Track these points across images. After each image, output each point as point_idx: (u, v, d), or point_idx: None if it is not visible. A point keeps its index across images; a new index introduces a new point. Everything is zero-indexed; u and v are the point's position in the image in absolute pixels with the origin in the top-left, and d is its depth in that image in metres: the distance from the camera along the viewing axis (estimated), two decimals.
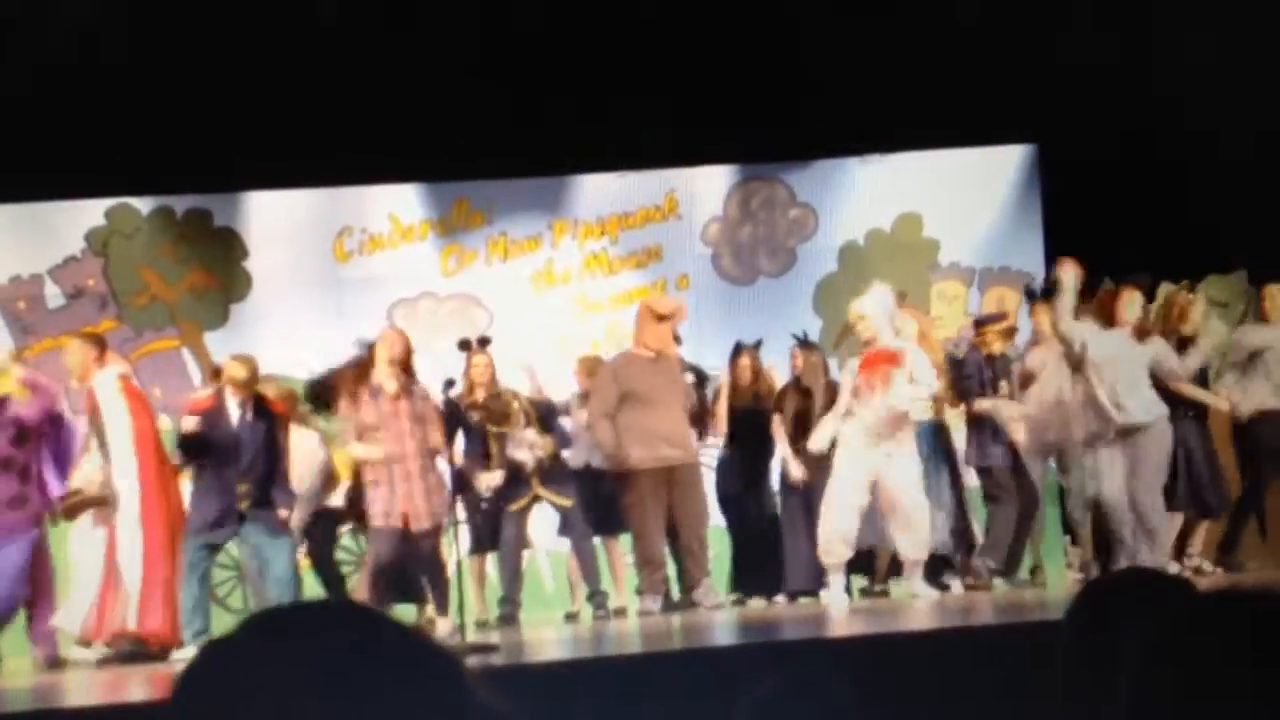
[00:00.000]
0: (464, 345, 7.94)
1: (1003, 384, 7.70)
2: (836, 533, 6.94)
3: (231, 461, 6.67)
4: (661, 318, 7.54)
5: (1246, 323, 7.82)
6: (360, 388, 6.80)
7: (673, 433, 7.25)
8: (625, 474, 7.40)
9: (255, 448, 6.70)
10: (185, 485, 7.20)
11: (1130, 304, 7.02)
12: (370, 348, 6.93)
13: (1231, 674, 1.17)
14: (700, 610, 7.30)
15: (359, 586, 7.05)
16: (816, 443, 7.20)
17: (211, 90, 8.85)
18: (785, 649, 4.59)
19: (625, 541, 8.09)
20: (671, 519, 7.36)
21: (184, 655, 6.59)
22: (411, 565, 6.97)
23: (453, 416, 7.58)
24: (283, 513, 6.80)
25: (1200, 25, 8.68)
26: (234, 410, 6.74)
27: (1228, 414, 7.71)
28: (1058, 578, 7.99)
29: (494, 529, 7.86)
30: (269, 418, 6.83)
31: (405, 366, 6.92)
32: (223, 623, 8.05)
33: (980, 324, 8.25)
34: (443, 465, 7.01)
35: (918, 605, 6.66)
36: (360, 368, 6.86)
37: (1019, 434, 7.44)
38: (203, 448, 6.71)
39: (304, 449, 7.62)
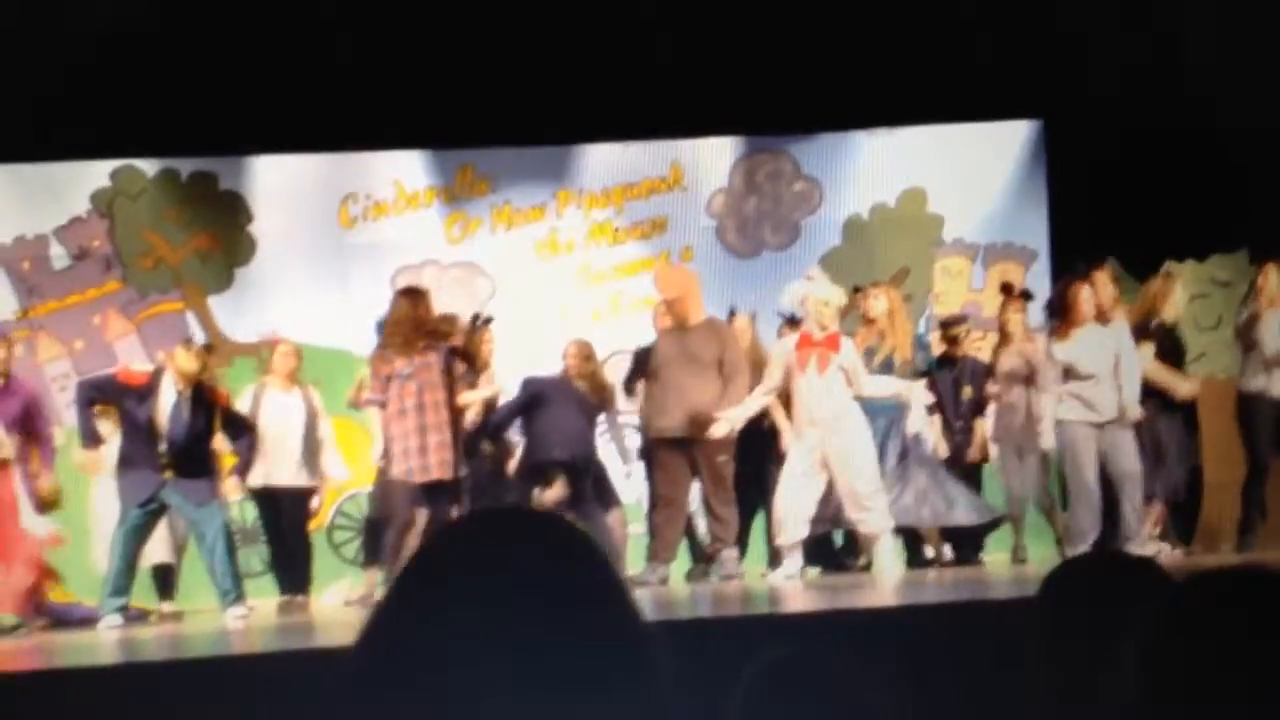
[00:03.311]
0: (474, 320, 8.04)
1: (967, 389, 7.84)
2: (790, 515, 6.98)
3: (155, 439, 6.65)
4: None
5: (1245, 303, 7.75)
6: (414, 337, 6.92)
7: (692, 404, 7.25)
8: (650, 443, 7.46)
9: (184, 430, 6.66)
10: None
11: (1086, 300, 7.05)
12: (412, 306, 7.03)
13: (1235, 652, 1.19)
14: (709, 581, 7.34)
15: (390, 547, 7.04)
16: (734, 418, 7.16)
17: (218, 53, 8.82)
18: (791, 622, 4.63)
19: (630, 511, 8.16)
20: (697, 487, 7.45)
21: (106, 624, 6.54)
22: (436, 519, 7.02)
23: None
24: (207, 485, 6.77)
25: (1207, 2, 8.65)
26: (169, 392, 6.71)
27: (1219, 390, 7.76)
28: (1041, 556, 8.03)
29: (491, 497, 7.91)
30: (207, 408, 6.80)
31: (427, 328, 7.04)
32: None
33: (945, 325, 8.30)
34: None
35: (888, 580, 6.69)
36: (409, 321, 6.96)
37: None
38: (128, 425, 6.69)
39: (289, 417, 7.66)
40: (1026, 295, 8.02)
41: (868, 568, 7.41)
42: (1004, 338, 7.83)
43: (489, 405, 7.83)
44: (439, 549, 0.98)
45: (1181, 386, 7.45)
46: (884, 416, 7.42)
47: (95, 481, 7.64)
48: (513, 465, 7.92)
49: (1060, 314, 7.12)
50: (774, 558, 7.37)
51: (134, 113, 8.96)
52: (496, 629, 0.91)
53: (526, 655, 0.90)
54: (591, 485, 7.79)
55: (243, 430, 7.05)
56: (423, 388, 6.88)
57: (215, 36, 8.79)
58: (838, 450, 6.94)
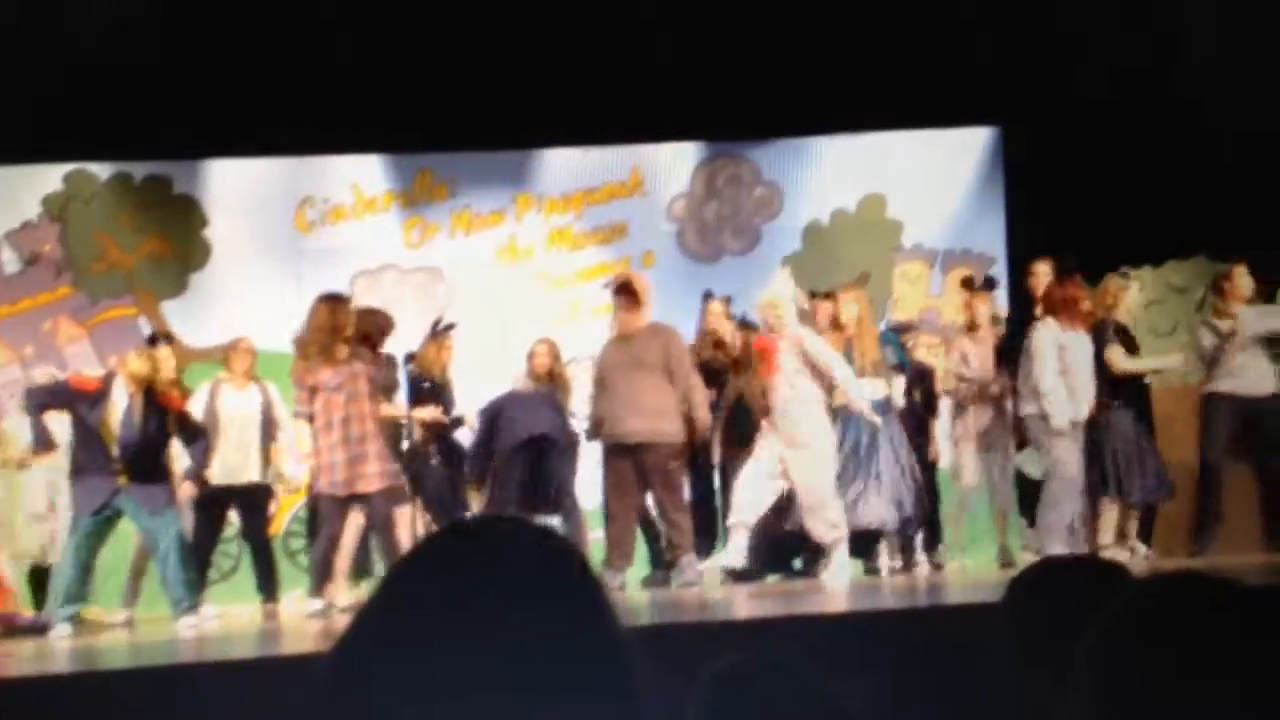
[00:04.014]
0: (434, 325, 8.00)
1: (916, 392, 7.91)
2: (744, 501, 6.96)
3: (106, 444, 6.56)
4: (615, 295, 7.52)
5: (1208, 310, 7.79)
6: (329, 347, 6.75)
7: (639, 410, 7.20)
8: (605, 450, 7.42)
9: (137, 436, 6.56)
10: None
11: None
12: (327, 314, 6.87)
13: (1183, 656, 1.18)
14: (670, 587, 7.31)
15: (318, 560, 6.98)
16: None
17: (173, 56, 8.73)
18: (750, 626, 4.61)
19: (591, 517, 8.13)
20: (650, 494, 7.39)
21: (58, 633, 6.47)
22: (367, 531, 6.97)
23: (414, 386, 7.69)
24: (162, 491, 6.68)
25: (1165, 10, 8.72)
26: (121, 397, 6.62)
27: (1180, 391, 7.80)
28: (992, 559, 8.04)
29: (446, 502, 7.86)
30: (160, 412, 6.70)
31: (358, 332, 6.91)
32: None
33: (897, 331, 8.34)
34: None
35: (838, 588, 6.66)
36: (326, 331, 6.80)
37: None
38: (81, 431, 6.61)
39: (245, 413, 7.61)
40: (990, 284, 8.07)
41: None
42: (972, 329, 7.85)
43: (439, 426, 7.82)
44: (421, 557, 0.98)
45: (1160, 363, 7.51)
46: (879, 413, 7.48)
47: (17, 481, 7.61)
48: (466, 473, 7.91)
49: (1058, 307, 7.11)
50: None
51: (88, 116, 8.85)
52: (475, 636, 0.90)
53: (505, 662, 0.90)
54: (558, 484, 7.78)
55: (196, 434, 6.96)
56: (350, 399, 6.72)
57: (168, 41, 8.70)
58: (795, 460, 6.92)
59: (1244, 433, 7.40)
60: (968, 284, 8.12)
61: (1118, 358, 7.26)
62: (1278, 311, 7.54)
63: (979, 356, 7.79)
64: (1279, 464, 7.37)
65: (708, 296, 8.14)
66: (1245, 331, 7.36)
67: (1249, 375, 7.37)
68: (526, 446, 7.65)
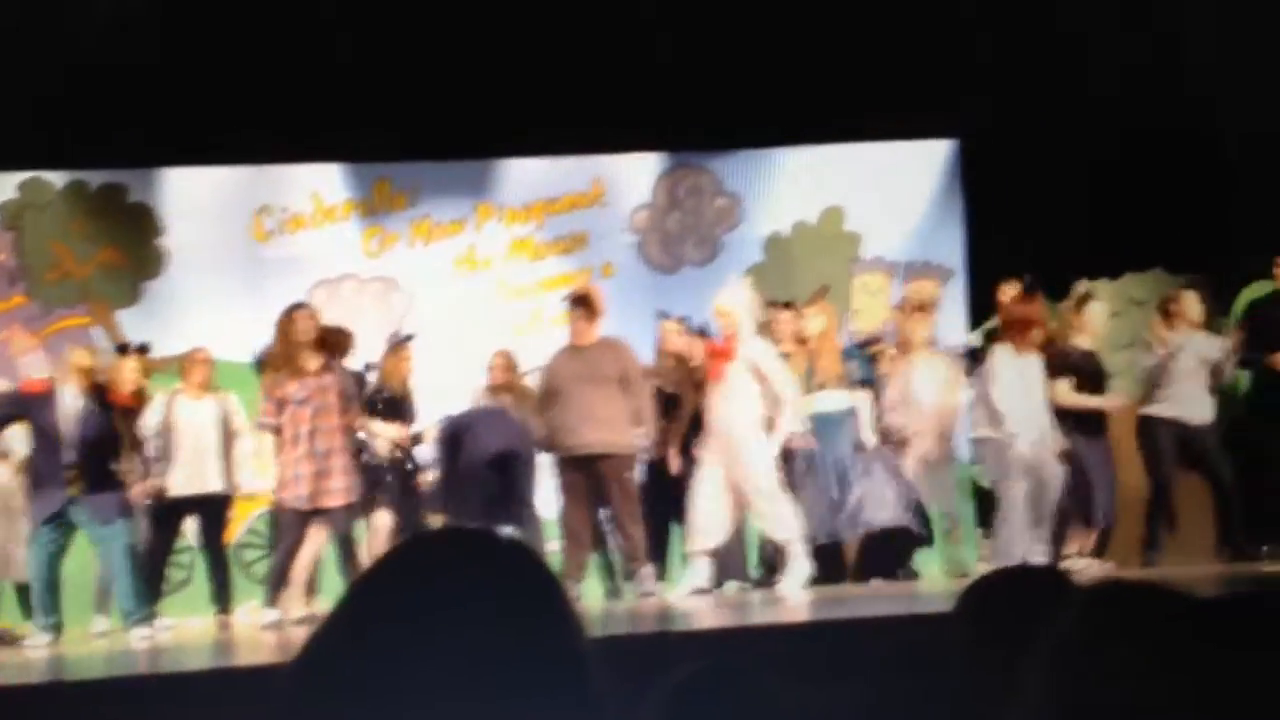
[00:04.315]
0: (392, 338, 7.98)
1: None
2: (700, 525, 6.99)
3: (59, 448, 6.50)
4: (573, 306, 7.50)
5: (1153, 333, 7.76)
6: (294, 358, 6.72)
7: (589, 422, 7.19)
8: (558, 462, 7.40)
9: (87, 436, 6.52)
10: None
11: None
12: (290, 323, 6.83)
13: (1141, 663, 1.19)
14: (626, 599, 7.30)
15: (275, 570, 6.92)
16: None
17: (129, 63, 8.66)
18: (709, 636, 4.61)
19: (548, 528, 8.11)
20: (603, 506, 7.38)
21: (34, 644, 6.45)
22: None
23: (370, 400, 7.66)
24: (113, 500, 6.62)
25: (1121, 22, 8.82)
26: (70, 398, 6.58)
27: (1131, 412, 7.83)
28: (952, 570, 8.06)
29: (407, 516, 7.83)
30: (108, 410, 6.66)
31: (323, 345, 6.87)
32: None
33: (862, 346, 8.35)
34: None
35: (792, 593, 6.66)
36: (290, 341, 6.77)
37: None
38: (35, 437, 6.55)
39: (202, 423, 7.55)
40: (924, 307, 8.11)
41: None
42: (905, 347, 7.87)
43: (403, 441, 7.80)
44: (386, 567, 0.98)
45: (1102, 401, 7.50)
46: (848, 423, 7.49)
47: None
48: (424, 485, 7.89)
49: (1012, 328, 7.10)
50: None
51: (43, 124, 8.77)
52: (440, 646, 0.91)
53: (470, 672, 0.90)
54: (518, 496, 7.77)
55: (146, 434, 6.91)
56: (316, 412, 6.68)
57: (124, 48, 8.62)
58: (735, 469, 6.94)
59: (1182, 458, 7.44)
60: (906, 306, 8.12)
61: (1062, 392, 7.26)
62: (1216, 340, 7.56)
63: (917, 380, 7.75)
64: (1227, 477, 7.42)
65: (662, 316, 8.14)
66: (1182, 357, 7.38)
67: (1187, 402, 7.40)
68: (490, 466, 7.66)
